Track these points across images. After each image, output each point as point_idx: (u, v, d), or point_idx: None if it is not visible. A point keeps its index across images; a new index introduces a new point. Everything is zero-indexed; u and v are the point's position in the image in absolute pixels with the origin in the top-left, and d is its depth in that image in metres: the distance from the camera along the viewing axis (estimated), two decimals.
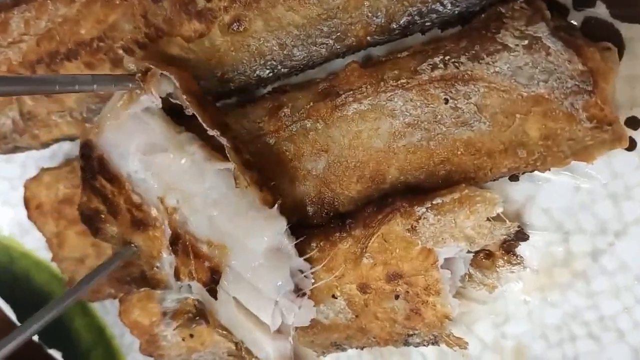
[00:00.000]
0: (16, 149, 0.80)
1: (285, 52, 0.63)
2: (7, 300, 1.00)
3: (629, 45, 0.59)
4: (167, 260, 0.64)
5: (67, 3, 0.67)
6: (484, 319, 0.72)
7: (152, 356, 0.80)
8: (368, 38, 0.61)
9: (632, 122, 0.61)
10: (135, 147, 0.62)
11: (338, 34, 0.61)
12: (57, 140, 0.77)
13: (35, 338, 0.98)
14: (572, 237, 0.66)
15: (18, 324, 0.99)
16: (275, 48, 0.63)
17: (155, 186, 0.62)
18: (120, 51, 0.66)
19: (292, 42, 0.62)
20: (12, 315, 0.99)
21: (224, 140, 0.60)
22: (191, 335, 0.71)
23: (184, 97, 0.60)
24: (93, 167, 0.64)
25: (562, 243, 0.66)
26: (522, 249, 0.67)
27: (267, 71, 0.65)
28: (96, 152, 0.64)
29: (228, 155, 0.60)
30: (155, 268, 0.64)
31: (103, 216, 0.65)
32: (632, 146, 0.61)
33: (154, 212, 0.63)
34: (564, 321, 0.68)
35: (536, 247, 0.67)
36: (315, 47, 0.63)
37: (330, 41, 0.62)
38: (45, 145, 0.78)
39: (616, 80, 0.56)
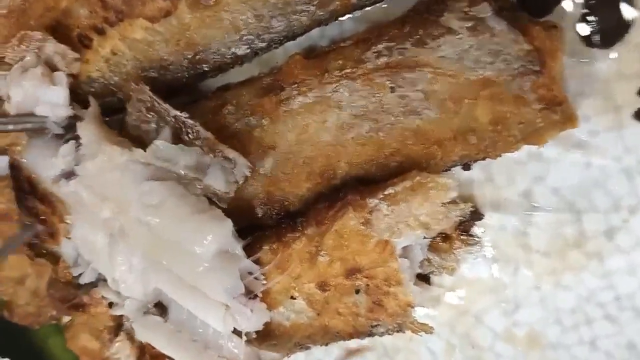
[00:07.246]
0: None
1: (262, 24, 0.59)
2: None
3: None
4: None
5: None
6: (493, 308, 0.69)
7: None
8: (354, 0, 0.57)
9: None
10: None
11: None
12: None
13: None
14: (585, 216, 0.63)
15: None
16: (251, 20, 0.58)
17: (87, 198, 0.59)
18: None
19: (270, 12, 0.58)
20: None
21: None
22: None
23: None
24: (24, 187, 0.61)
25: (574, 223, 0.64)
26: (533, 232, 0.65)
27: (244, 47, 0.61)
28: (24, 173, 0.61)
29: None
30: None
31: (42, 237, 0.63)
32: None
33: None
34: (579, 304, 0.66)
35: (546, 229, 0.65)
36: (295, 16, 0.59)
37: (312, 7, 0.58)
38: None
39: (564, 59, 0.54)
